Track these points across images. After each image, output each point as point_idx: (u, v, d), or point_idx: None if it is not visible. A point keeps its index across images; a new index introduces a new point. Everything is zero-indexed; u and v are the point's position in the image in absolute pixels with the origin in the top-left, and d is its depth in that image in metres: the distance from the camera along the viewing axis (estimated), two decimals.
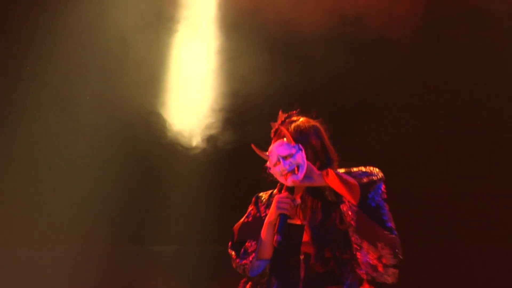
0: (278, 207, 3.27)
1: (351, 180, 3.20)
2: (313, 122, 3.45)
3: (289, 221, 3.30)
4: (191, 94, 6.59)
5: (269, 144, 3.35)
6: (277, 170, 3.25)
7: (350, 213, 3.19)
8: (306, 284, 3.25)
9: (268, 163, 3.30)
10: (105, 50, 6.44)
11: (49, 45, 6.41)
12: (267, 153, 3.30)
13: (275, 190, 3.50)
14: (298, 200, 3.29)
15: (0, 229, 6.46)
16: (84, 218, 6.49)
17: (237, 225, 3.53)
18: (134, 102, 6.45)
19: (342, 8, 6.14)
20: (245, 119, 6.37)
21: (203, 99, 6.57)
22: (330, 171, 3.19)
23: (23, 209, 6.54)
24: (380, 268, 3.12)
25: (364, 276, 3.19)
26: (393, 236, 3.14)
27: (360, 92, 6.33)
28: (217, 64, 6.57)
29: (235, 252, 3.45)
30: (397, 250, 3.12)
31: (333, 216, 3.28)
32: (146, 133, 6.55)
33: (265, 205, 3.50)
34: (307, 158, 3.23)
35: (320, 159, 3.38)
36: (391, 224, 3.18)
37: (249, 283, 3.42)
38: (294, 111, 3.50)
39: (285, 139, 3.27)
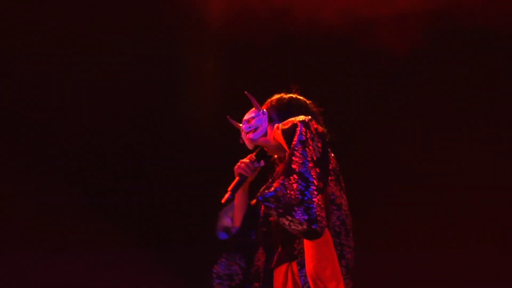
0: (237, 167, 3.37)
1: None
2: (302, 99, 3.44)
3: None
4: None
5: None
6: (242, 134, 3.37)
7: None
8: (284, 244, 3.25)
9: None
10: None
11: None
12: (241, 124, 3.41)
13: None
14: (262, 163, 3.37)
15: None
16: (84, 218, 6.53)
17: None
18: None
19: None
20: None
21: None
22: (277, 125, 3.18)
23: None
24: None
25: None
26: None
27: None
28: None
29: None
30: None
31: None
32: None
33: None
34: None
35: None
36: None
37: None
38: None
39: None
